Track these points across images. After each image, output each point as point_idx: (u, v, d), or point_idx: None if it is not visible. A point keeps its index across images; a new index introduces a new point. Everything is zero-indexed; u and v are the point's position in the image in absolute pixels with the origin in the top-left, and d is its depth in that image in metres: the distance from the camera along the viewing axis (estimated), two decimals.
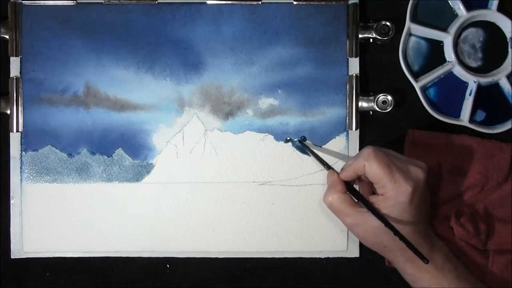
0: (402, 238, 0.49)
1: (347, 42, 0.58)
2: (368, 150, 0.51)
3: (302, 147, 0.58)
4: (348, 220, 0.52)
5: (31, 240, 0.58)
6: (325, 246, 0.58)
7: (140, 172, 0.58)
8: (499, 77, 0.58)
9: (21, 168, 0.58)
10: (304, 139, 0.58)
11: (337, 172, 0.54)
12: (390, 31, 0.57)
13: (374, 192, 0.53)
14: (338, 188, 0.52)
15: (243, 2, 0.58)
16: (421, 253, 0.48)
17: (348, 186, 0.53)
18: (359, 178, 0.54)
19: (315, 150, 0.57)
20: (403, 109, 0.59)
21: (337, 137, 0.58)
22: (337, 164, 0.57)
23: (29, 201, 0.58)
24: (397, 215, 0.50)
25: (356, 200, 0.52)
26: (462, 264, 0.55)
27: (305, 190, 0.58)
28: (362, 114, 0.59)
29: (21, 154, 0.58)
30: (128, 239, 0.58)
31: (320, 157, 0.57)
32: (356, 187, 0.55)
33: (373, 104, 0.58)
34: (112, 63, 0.58)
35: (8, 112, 0.58)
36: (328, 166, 0.56)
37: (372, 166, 0.50)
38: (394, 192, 0.50)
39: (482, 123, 0.59)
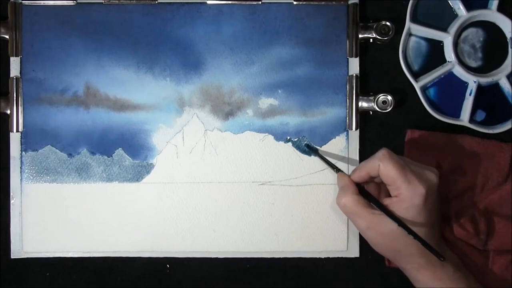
0: (417, 237, 0.48)
1: (347, 42, 0.58)
2: (383, 151, 0.51)
3: (309, 150, 0.58)
4: (362, 222, 0.51)
5: (31, 240, 0.58)
6: (325, 246, 0.58)
7: (140, 172, 0.58)
8: (499, 77, 0.58)
9: (21, 168, 0.58)
10: (305, 139, 0.58)
11: (348, 175, 0.54)
12: (390, 31, 0.57)
13: (383, 196, 0.53)
14: (352, 190, 0.52)
15: (243, 2, 0.58)
16: (437, 251, 0.48)
17: (360, 188, 0.52)
18: (369, 181, 0.53)
19: (323, 155, 0.57)
20: (403, 109, 0.59)
21: (337, 137, 0.58)
22: (338, 164, 0.57)
23: (29, 201, 0.58)
24: (411, 217, 0.50)
25: (369, 202, 0.51)
26: (470, 273, 0.54)
27: (305, 190, 0.58)
28: (362, 114, 0.59)
29: (21, 154, 0.58)
30: (128, 239, 0.58)
31: (328, 160, 0.56)
32: None
33: (373, 104, 0.58)
34: (112, 63, 0.58)
35: (8, 112, 0.58)
36: (337, 169, 0.55)
37: (387, 167, 0.50)
38: (409, 194, 0.49)
39: (482, 123, 0.59)
